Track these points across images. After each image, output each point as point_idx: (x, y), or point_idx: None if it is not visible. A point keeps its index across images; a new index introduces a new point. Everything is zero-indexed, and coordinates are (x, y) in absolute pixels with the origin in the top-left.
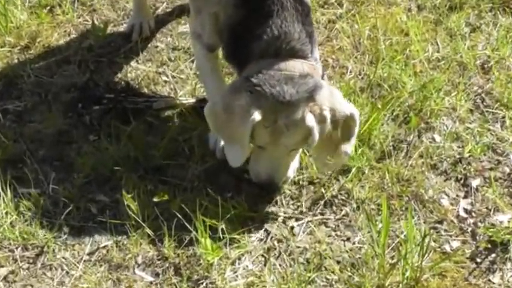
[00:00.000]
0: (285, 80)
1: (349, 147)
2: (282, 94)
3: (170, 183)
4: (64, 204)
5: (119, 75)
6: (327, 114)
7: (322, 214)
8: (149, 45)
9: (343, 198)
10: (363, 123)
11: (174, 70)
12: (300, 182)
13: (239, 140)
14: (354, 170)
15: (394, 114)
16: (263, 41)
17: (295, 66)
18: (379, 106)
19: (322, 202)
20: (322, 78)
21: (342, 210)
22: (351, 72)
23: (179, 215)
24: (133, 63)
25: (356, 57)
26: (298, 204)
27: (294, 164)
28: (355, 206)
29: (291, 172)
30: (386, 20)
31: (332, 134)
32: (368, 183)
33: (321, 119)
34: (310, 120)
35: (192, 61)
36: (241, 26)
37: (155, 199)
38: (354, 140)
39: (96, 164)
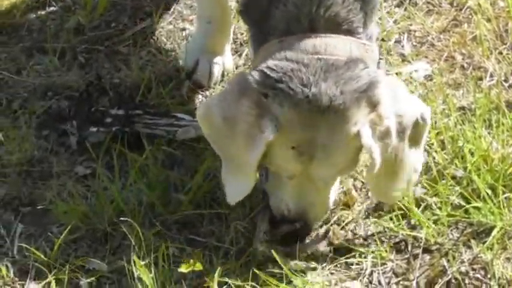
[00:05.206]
0: (324, 71)
1: (418, 160)
2: (319, 96)
3: (204, 244)
4: (37, 275)
5: (124, 73)
6: (392, 124)
7: None
8: (171, 26)
9: (478, 276)
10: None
11: None
12: (409, 248)
13: (242, 166)
14: (495, 231)
15: None
16: (290, 3)
17: (338, 46)
18: None
19: (443, 281)
20: (378, 66)
21: None
22: (492, 76)
23: None
24: (147, 55)
25: (501, 53)
26: (406, 283)
27: (335, 188)
28: None
29: (331, 203)
30: None
31: (397, 149)
32: None
33: (383, 133)
34: (368, 138)
35: (246, 54)
36: None
37: (182, 269)
38: (423, 146)
39: (87, 213)
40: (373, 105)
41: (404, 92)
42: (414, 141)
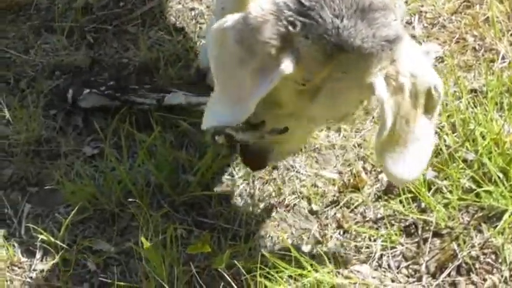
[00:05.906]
0: (360, 9)
1: (430, 136)
2: (352, 34)
3: (212, 226)
4: (44, 255)
5: (133, 53)
6: (407, 83)
7: (454, 285)
8: (180, 5)
9: (489, 260)
10: None
11: None
12: (419, 232)
13: (243, 96)
14: (506, 215)
15: None
16: None
17: None
18: None
19: (454, 265)
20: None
21: (485, 279)
22: (504, 58)
23: (229, 278)
24: (155, 35)
25: None
26: (416, 267)
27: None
28: (507, 274)
29: (298, 149)
30: None
31: (409, 114)
32: None
33: (396, 89)
34: (381, 90)
35: None
36: None
37: (189, 251)
38: (434, 123)
39: (95, 193)
40: (393, 59)
41: (422, 57)
42: (427, 113)
